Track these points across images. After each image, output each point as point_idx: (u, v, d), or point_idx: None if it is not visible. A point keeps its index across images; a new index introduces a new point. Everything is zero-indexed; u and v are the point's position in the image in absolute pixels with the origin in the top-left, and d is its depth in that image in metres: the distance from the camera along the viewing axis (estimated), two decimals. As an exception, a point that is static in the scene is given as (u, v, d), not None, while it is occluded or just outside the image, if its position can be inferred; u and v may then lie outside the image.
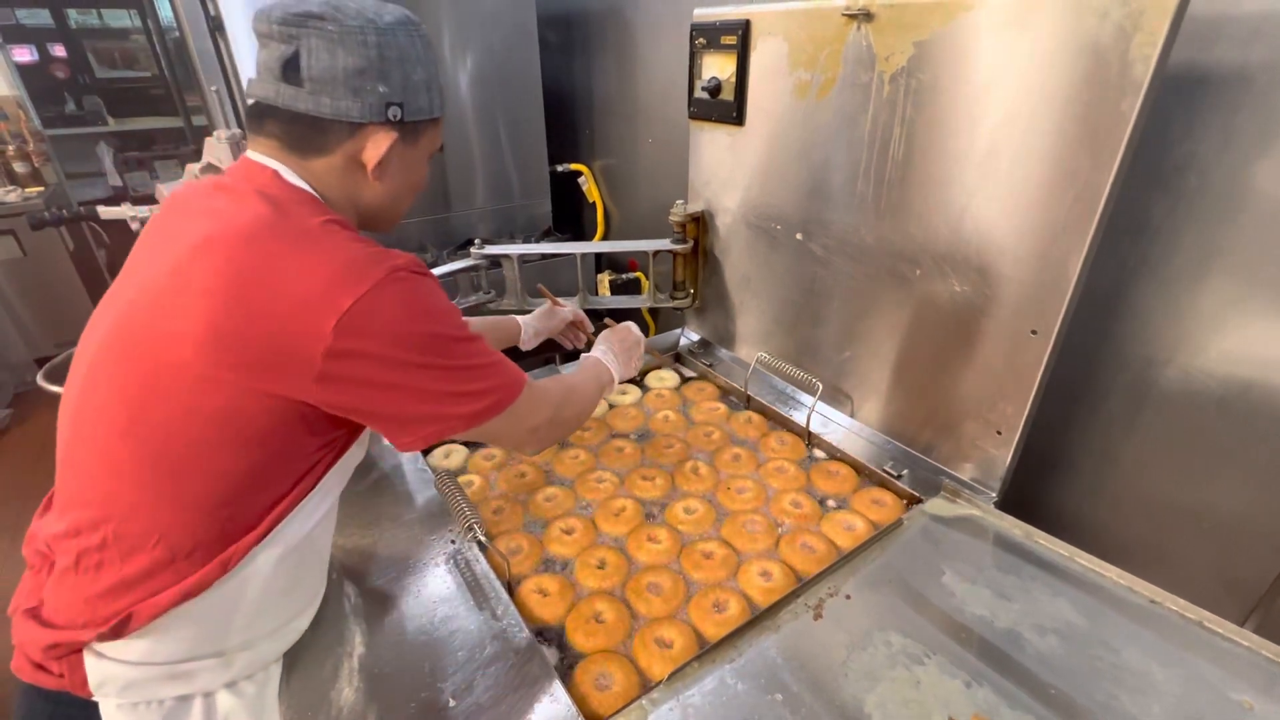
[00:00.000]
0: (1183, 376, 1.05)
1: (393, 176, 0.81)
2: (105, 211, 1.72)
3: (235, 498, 0.71)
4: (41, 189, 3.45)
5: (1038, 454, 1.20)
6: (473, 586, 0.95)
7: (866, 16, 1.05)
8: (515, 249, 1.59)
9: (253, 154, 0.77)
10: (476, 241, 1.61)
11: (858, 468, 1.23)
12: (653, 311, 2.40)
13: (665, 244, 1.56)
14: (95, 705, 0.73)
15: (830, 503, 1.17)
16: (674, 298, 1.67)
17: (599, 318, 1.54)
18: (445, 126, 0.88)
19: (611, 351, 1.21)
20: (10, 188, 3.32)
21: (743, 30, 1.26)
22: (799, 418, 1.35)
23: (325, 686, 0.81)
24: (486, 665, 0.82)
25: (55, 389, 1.45)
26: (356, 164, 0.77)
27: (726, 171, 1.45)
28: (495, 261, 1.64)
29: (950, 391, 1.13)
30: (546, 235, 2.37)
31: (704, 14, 1.35)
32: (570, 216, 2.67)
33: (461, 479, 1.21)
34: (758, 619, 0.86)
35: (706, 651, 0.82)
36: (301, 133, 0.74)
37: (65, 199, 3.63)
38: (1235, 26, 0.88)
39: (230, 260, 0.65)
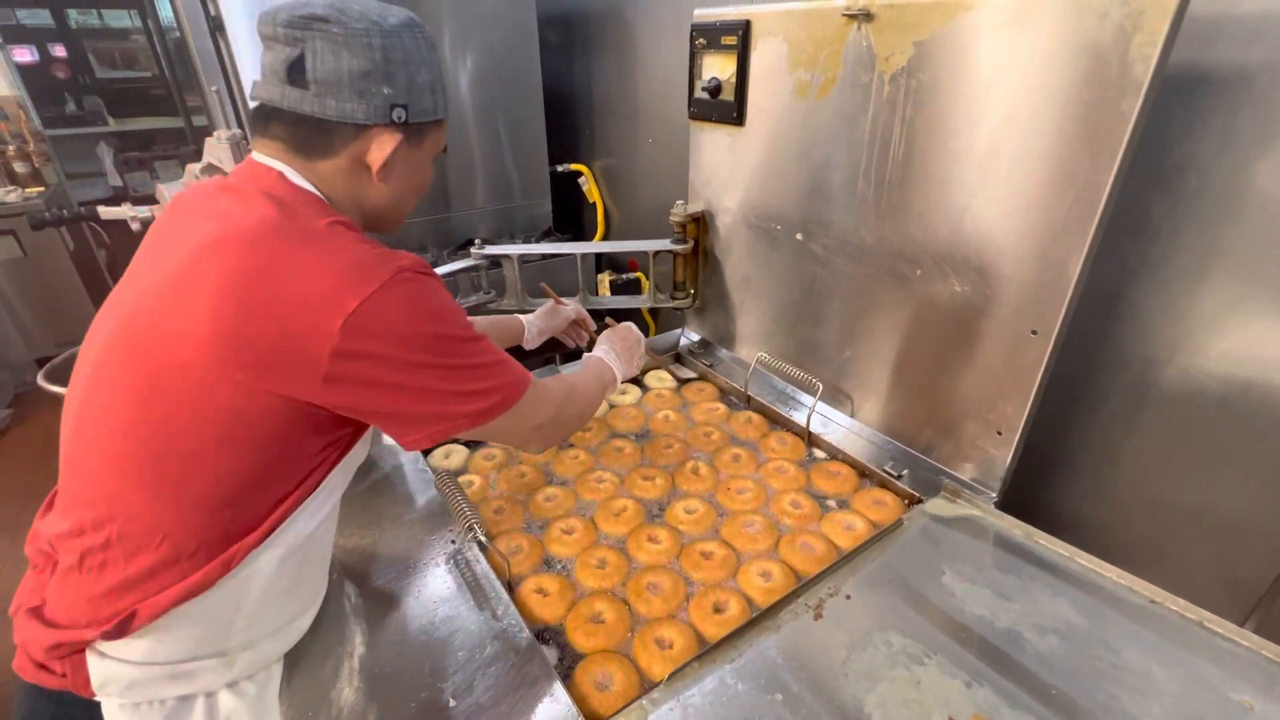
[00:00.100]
0: (1183, 376, 1.05)
1: (397, 178, 0.82)
2: (105, 212, 1.72)
3: (239, 497, 0.71)
4: (42, 189, 3.45)
5: (1038, 454, 1.20)
6: (473, 586, 0.95)
7: (866, 17, 1.05)
8: (515, 249, 1.59)
9: (258, 155, 0.77)
10: (477, 242, 1.62)
11: (858, 468, 1.23)
12: (653, 312, 2.41)
13: (665, 244, 1.56)
14: (97, 705, 0.73)
15: (830, 503, 1.17)
16: (674, 298, 1.67)
17: (600, 318, 1.54)
18: (446, 127, 0.88)
19: (614, 351, 1.21)
20: (10, 188, 3.32)
21: (743, 30, 1.26)
22: (799, 418, 1.35)
23: (326, 686, 0.81)
24: (487, 665, 0.82)
25: (56, 389, 1.46)
26: (361, 165, 0.78)
27: (727, 172, 1.45)
28: (495, 262, 1.64)
29: (950, 391, 1.13)
30: (547, 235, 2.37)
31: (704, 14, 1.35)
32: (570, 217, 2.67)
33: (462, 479, 1.21)
34: (758, 619, 0.86)
35: (707, 651, 0.82)
36: (307, 134, 0.75)
37: (65, 199, 3.63)
38: (1235, 26, 0.88)
39: (237, 261, 0.66)
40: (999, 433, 1.07)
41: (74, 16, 4.66)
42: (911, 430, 1.24)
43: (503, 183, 2.23)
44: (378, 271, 0.67)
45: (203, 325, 0.64)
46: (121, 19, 4.83)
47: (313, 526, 0.78)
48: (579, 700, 0.78)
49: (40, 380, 1.49)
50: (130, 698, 0.73)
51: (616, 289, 2.26)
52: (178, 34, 2.79)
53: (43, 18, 4.55)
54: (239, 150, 1.61)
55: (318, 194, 0.77)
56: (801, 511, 1.12)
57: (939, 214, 1.05)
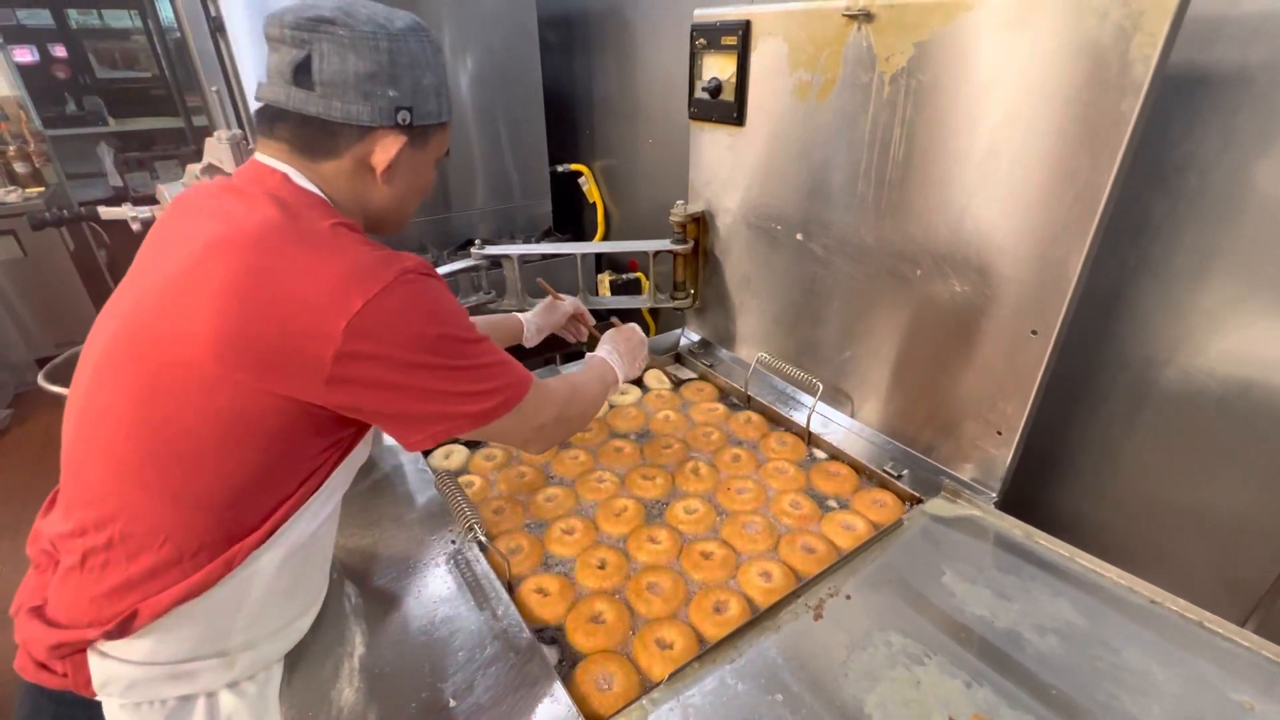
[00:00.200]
0: (1183, 376, 1.05)
1: (401, 180, 0.82)
2: (106, 212, 1.72)
3: (241, 498, 0.71)
4: (42, 189, 3.45)
5: (1038, 454, 1.20)
6: (473, 586, 0.95)
7: (867, 17, 1.05)
8: (515, 249, 1.59)
9: (261, 157, 0.78)
10: (477, 242, 1.62)
11: (858, 468, 1.23)
12: (653, 312, 2.41)
13: (665, 244, 1.56)
14: (98, 705, 0.73)
15: (830, 503, 1.17)
16: (674, 298, 1.67)
17: (602, 318, 1.54)
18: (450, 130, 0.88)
19: (617, 351, 1.22)
20: (11, 188, 3.32)
21: (743, 31, 1.26)
22: (799, 418, 1.35)
23: (326, 686, 0.82)
24: (487, 665, 0.82)
25: (56, 389, 1.46)
26: (366, 167, 0.78)
27: (727, 172, 1.45)
28: (496, 262, 1.64)
29: (951, 392, 1.13)
30: (547, 235, 2.37)
31: (704, 14, 1.35)
32: (570, 217, 2.67)
33: (462, 479, 1.21)
34: (758, 619, 0.86)
35: (707, 652, 0.82)
36: (312, 136, 0.75)
37: (66, 199, 3.63)
38: (1235, 26, 0.88)
39: (240, 261, 0.66)
40: (999, 433, 1.07)
41: (74, 17, 4.66)
42: (912, 430, 1.24)
43: (503, 183, 2.23)
44: (382, 273, 0.67)
45: (205, 325, 0.65)
46: (122, 19, 4.83)
47: (314, 527, 0.78)
48: (579, 700, 0.78)
49: (40, 380, 1.49)
50: (131, 697, 0.73)
51: (616, 289, 2.26)
52: (178, 34, 2.79)
53: (43, 18, 4.56)
54: (239, 150, 1.61)
55: (321, 195, 0.77)
56: (801, 512, 1.12)
57: (939, 214, 1.05)
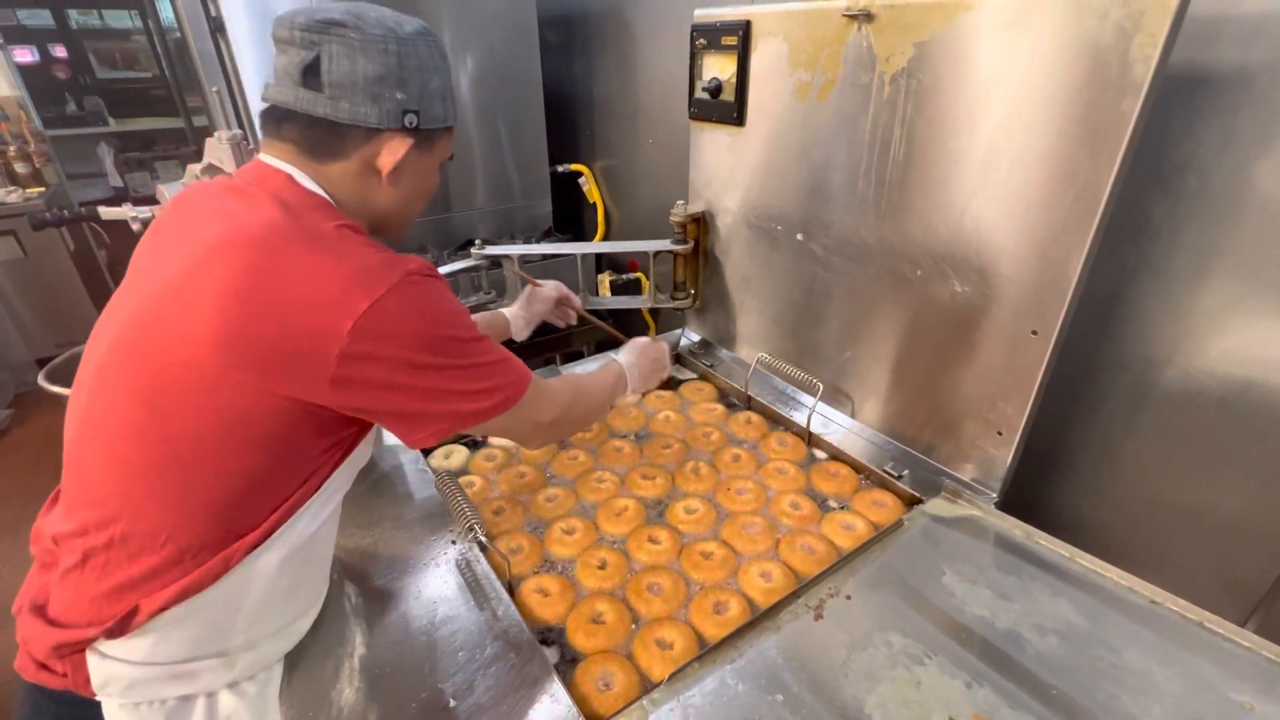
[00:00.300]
0: (1183, 376, 1.05)
1: (406, 182, 0.83)
2: (106, 212, 1.72)
3: (243, 498, 0.71)
4: (42, 189, 3.45)
5: (1038, 454, 1.20)
6: (473, 587, 0.95)
7: (867, 17, 1.05)
8: (516, 249, 1.59)
9: (266, 157, 0.78)
10: (477, 242, 1.62)
11: (858, 468, 1.23)
12: (653, 312, 2.40)
13: (666, 244, 1.56)
14: (98, 705, 0.73)
15: (831, 503, 1.17)
16: (674, 298, 1.67)
17: (601, 318, 1.54)
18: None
19: (637, 364, 1.20)
20: (11, 188, 3.32)
21: (743, 31, 1.26)
22: (800, 418, 1.35)
23: (326, 687, 0.82)
24: (487, 665, 0.82)
25: (56, 389, 1.46)
26: (371, 169, 0.79)
27: (727, 172, 1.45)
28: (496, 262, 1.64)
29: (951, 392, 1.13)
30: (547, 236, 2.37)
31: (704, 14, 1.35)
32: (571, 217, 2.67)
33: (462, 480, 1.21)
34: (758, 619, 0.86)
35: (707, 652, 0.82)
36: (319, 137, 0.76)
37: (66, 199, 3.63)
38: (1235, 26, 0.88)
39: (244, 262, 0.66)
40: (999, 433, 1.07)
41: (75, 17, 4.67)
42: (912, 431, 1.24)
43: (503, 183, 2.23)
44: (387, 275, 0.68)
45: (207, 326, 0.65)
46: (122, 19, 4.83)
47: (315, 527, 0.78)
48: (579, 700, 0.78)
49: (41, 380, 1.49)
50: (131, 698, 0.73)
51: (617, 289, 2.26)
52: (178, 34, 2.79)
53: (43, 18, 4.56)
54: (240, 150, 1.61)
55: (326, 197, 0.77)
56: (801, 512, 1.12)
57: (939, 214, 1.05)
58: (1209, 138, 0.94)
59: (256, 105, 1.72)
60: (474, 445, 1.33)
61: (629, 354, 1.22)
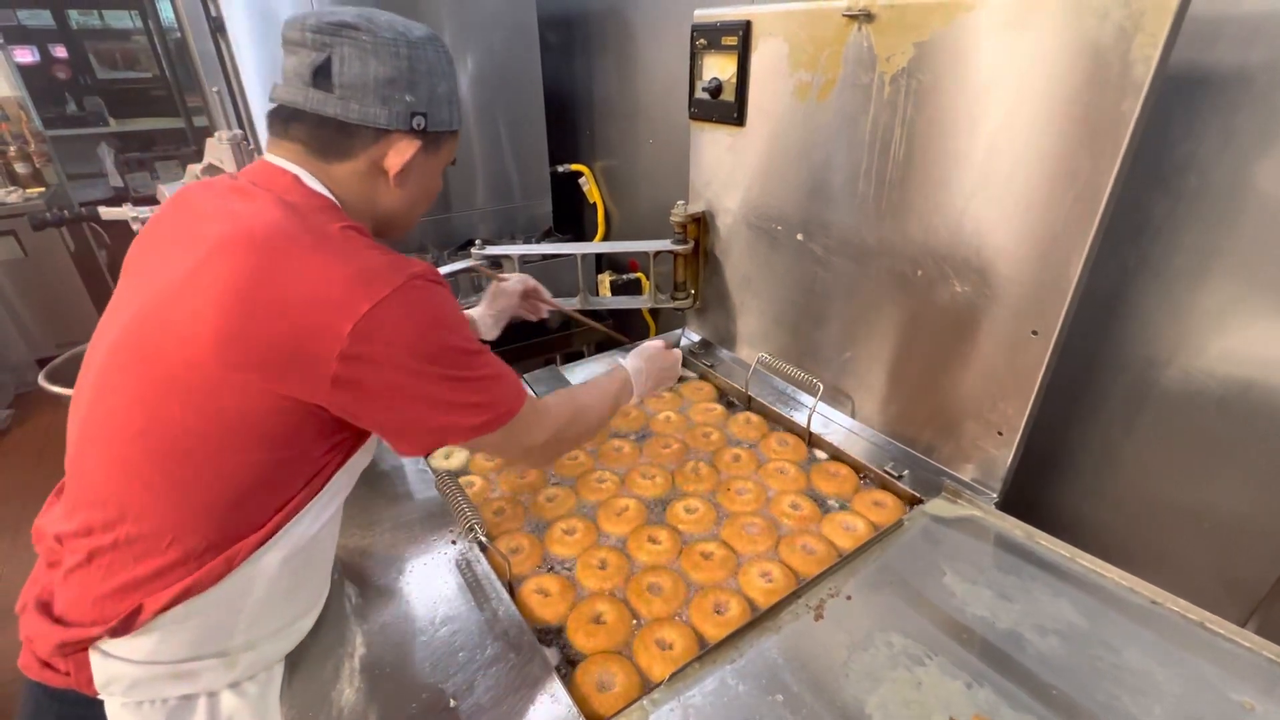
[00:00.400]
0: (1183, 377, 1.05)
1: (412, 184, 0.84)
2: (106, 212, 1.72)
3: (245, 499, 0.71)
4: (43, 190, 3.45)
5: (1039, 454, 1.20)
6: (474, 587, 0.95)
7: (867, 17, 1.05)
8: (516, 249, 1.59)
9: (272, 158, 0.78)
10: (477, 242, 1.62)
11: (858, 468, 1.23)
12: (653, 312, 2.40)
13: (666, 244, 1.56)
14: (101, 704, 0.74)
15: (831, 504, 1.17)
16: (675, 298, 1.67)
17: (602, 318, 1.53)
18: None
19: (645, 371, 1.17)
20: (11, 188, 3.32)
21: (743, 31, 1.26)
22: (800, 418, 1.35)
23: (327, 687, 0.82)
24: (487, 665, 0.82)
25: (56, 389, 1.46)
26: (379, 170, 0.79)
27: (727, 172, 1.45)
28: (496, 262, 1.64)
29: (951, 392, 1.13)
30: (547, 236, 2.37)
31: (704, 15, 1.35)
32: (571, 217, 2.67)
33: (462, 480, 1.21)
34: (758, 620, 0.86)
35: (707, 652, 0.82)
36: (328, 137, 0.76)
37: (66, 200, 3.63)
38: (1235, 27, 0.88)
39: (246, 262, 0.66)
40: (1000, 433, 1.07)
41: (75, 17, 4.66)
42: (912, 431, 1.24)
43: (503, 183, 2.23)
44: (391, 277, 0.68)
45: (208, 325, 0.65)
46: (122, 20, 4.83)
47: (316, 529, 0.79)
48: (580, 701, 0.78)
49: (41, 381, 1.49)
50: (133, 697, 0.73)
51: (617, 289, 2.26)
52: (179, 34, 2.79)
53: (44, 18, 4.56)
54: (240, 151, 1.61)
55: (331, 198, 0.78)
56: (801, 513, 1.12)
57: (940, 215, 1.05)
58: (1209, 138, 0.94)
59: (257, 105, 1.73)
60: (474, 445, 1.32)
61: (637, 359, 1.19)
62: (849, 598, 0.90)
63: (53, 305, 3.34)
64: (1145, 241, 1.04)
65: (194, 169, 1.65)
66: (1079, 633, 0.83)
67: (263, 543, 0.73)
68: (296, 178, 0.76)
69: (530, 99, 2.18)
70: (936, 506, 1.08)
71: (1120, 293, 1.09)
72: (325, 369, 0.66)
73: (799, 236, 1.33)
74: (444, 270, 1.62)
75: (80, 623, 0.70)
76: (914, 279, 1.13)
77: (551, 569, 1.03)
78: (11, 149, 3.58)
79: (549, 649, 0.88)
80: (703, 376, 1.60)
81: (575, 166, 2.49)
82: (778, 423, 1.40)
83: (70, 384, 0.82)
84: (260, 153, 1.71)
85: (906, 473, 1.18)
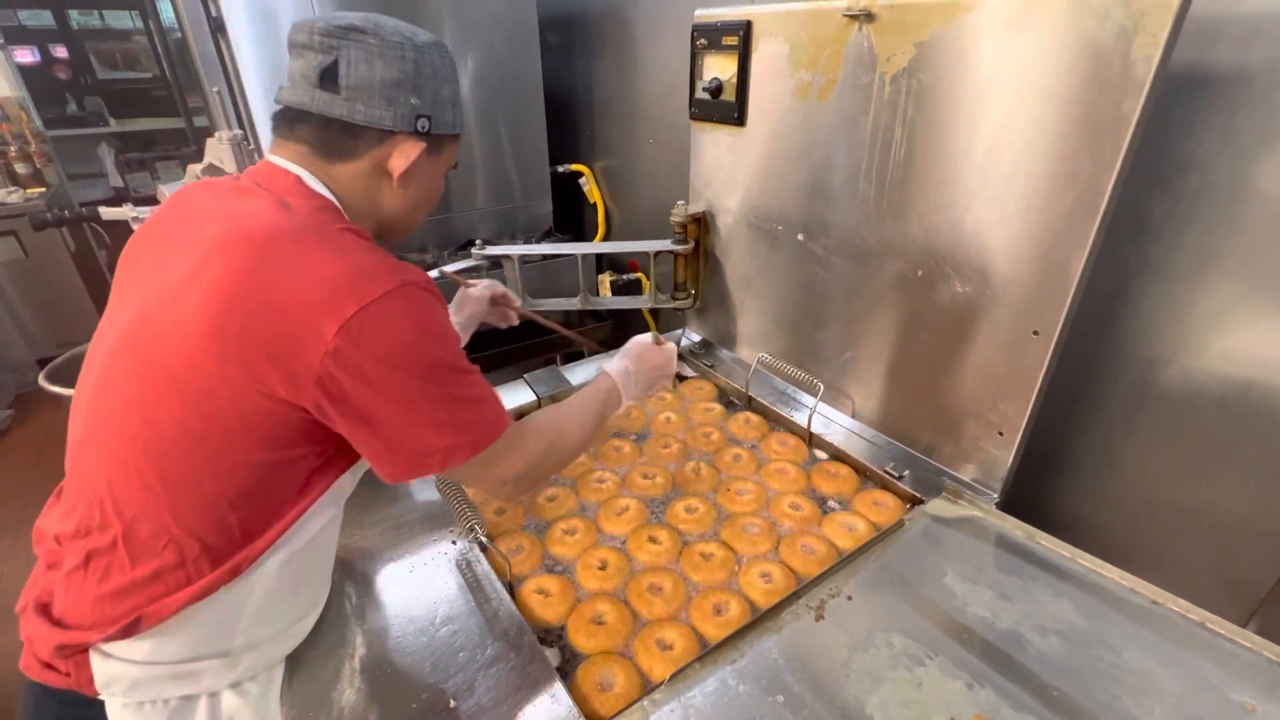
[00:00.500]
0: (1184, 377, 1.05)
1: (415, 185, 0.84)
2: (107, 212, 1.72)
3: (243, 502, 0.71)
4: (43, 190, 3.45)
5: (1039, 455, 1.20)
6: (474, 587, 0.95)
7: (868, 17, 1.05)
8: (516, 249, 1.59)
9: (275, 159, 0.79)
10: (478, 242, 1.62)
11: (859, 469, 1.23)
12: (654, 312, 2.40)
13: (666, 245, 1.56)
14: (101, 704, 0.74)
15: (832, 504, 1.17)
16: (675, 298, 1.67)
17: (602, 319, 1.53)
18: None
19: (632, 374, 1.09)
20: (12, 189, 3.32)
21: (744, 31, 1.26)
22: (800, 418, 1.35)
23: (327, 687, 0.82)
24: (488, 666, 0.82)
25: (57, 390, 1.46)
26: (383, 171, 0.80)
27: (727, 172, 1.45)
28: (496, 262, 1.64)
29: (952, 392, 1.13)
30: (547, 236, 2.37)
31: (705, 15, 1.35)
32: (571, 217, 2.67)
33: (463, 480, 1.21)
34: (759, 620, 0.86)
35: (708, 652, 0.82)
36: (333, 137, 0.77)
37: (67, 200, 3.63)
38: (1235, 27, 0.88)
39: (243, 259, 0.66)
40: (1000, 433, 1.07)
41: (75, 17, 4.66)
42: (913, 431, 1.24)
43: (503, 183, 2.23)
44: (383, 280, 0.67)
45: (204, 321, 0.65)
46: (123, 20, 4.82)
47: (316, 530, 0.79)
48: (580, 701, 0.78)
49: (42, 381, 1.49)
50: (134, 697, 0.73)
51: (617, 289, 2.26)
52: (179, 35, 2.79)
53: (44, 19, 4.55)
54: (240, 151, 1.61)
55: (333, 200, 0.78)
56: (801, 514, 1.12)
57: (940, 215, 1.05)
58: (1209, 138, 0.94)
59: (257, 105, 1.73)
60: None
61: (626, 360, 1.10)
62: (850, 598, 0.90)
63: (53, 305, 3.34)
64: (1146, 241, 1.04)
65: (194, 169, 1.65)
66: (1080, 633, 0.83)
67: (267, 548, 0.73)
68: (299, 179, 0.77)
69: (530, 99, 2.18)
70: (937, 507, 1.07)
71: (1121, 293, 1.09)
72: (309, 371, 0.65)
73: (799, 236, 1.33)
74: (447, 270, 1.62)
75: (79, 625, 0.70)
76: (914, 279, 1.12)
77: (552, 569, 1.03)
78: (12, 149, 3.58)
79: (549, 649, 0.88)
80: (703, 377, 1.60)
81: (575, 166, 2.49)
82: (778, 423, 1.40)
83: (71, 384, 0.82)
84: (260, 153, 1.71)
85: (907, 473, 1.18)
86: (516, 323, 1.42)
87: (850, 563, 0.96)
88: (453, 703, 0.78)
